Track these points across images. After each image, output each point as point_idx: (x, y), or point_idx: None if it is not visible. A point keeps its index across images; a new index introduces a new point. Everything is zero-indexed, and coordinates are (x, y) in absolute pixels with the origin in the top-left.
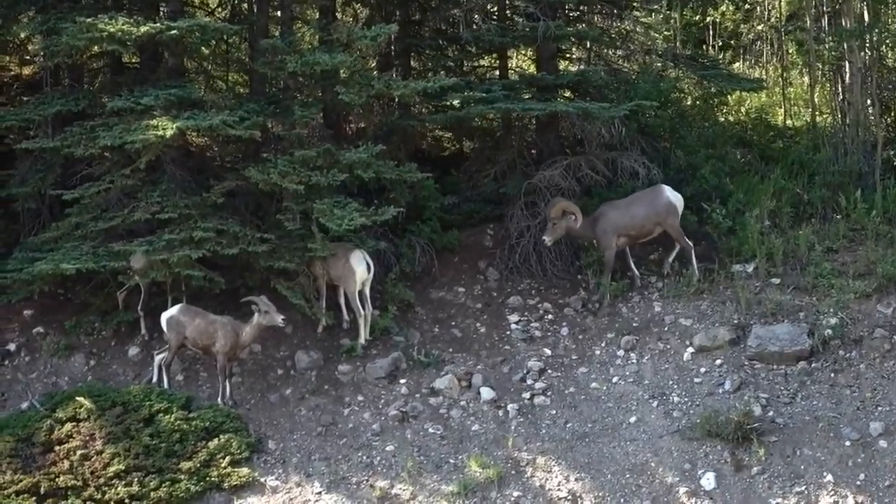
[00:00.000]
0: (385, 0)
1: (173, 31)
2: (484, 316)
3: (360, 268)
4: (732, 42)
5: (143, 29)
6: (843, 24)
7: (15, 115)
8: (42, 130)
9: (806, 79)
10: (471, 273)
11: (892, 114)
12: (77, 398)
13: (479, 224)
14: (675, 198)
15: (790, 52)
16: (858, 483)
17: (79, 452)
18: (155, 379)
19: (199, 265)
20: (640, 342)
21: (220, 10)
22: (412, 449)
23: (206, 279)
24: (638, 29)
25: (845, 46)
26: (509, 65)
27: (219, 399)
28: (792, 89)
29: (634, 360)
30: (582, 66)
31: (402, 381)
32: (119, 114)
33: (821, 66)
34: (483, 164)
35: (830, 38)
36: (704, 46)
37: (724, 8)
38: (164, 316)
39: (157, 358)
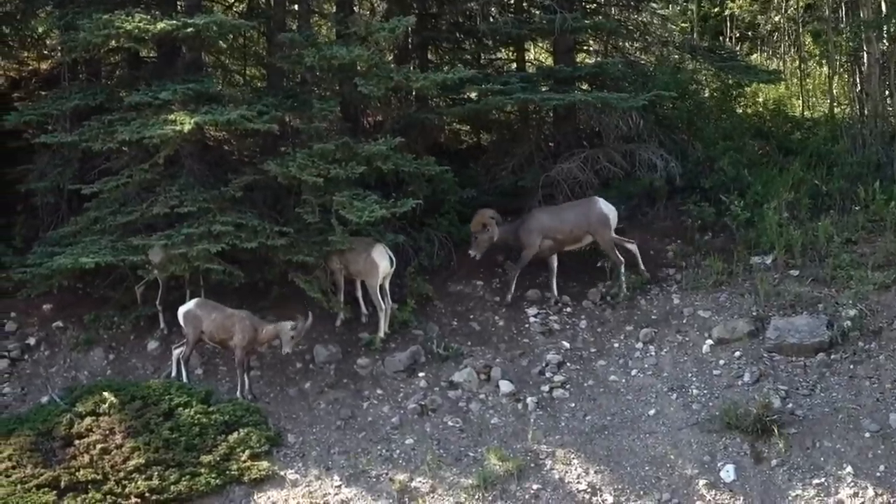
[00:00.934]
0: None
1: (190, 28)
2: (502, 309)
3: (383, 262)
4: (750, 33)
5: (159, 25)
6: (861, 14)
7: (33, 109)
8: (60, 125)
9: (824, 70)
10: (489, 266)
11: None
12: (102, 392)
13: None
14: (607, 209)
15: (808, 43)
16: (878, 475)
17: (99, 446)
18: (174, 373)
19: (218, 259)
20: (658, 335)
21: (237, 4)
22: (431, 442)
23: (226, 273)
24: (655, 21)
25: (863, 37)
26: (526, 57)
27: (238, 393)
28: (810, 80)
29: (653, 353)
30: (599, 59)
31: (421, 374)
32: (137, 108)
33: (839, 57)
34: (501, 156)
35: (848, 28)
36: (722, 38)
37: None
38: (181, 310)
39: (175, 352)
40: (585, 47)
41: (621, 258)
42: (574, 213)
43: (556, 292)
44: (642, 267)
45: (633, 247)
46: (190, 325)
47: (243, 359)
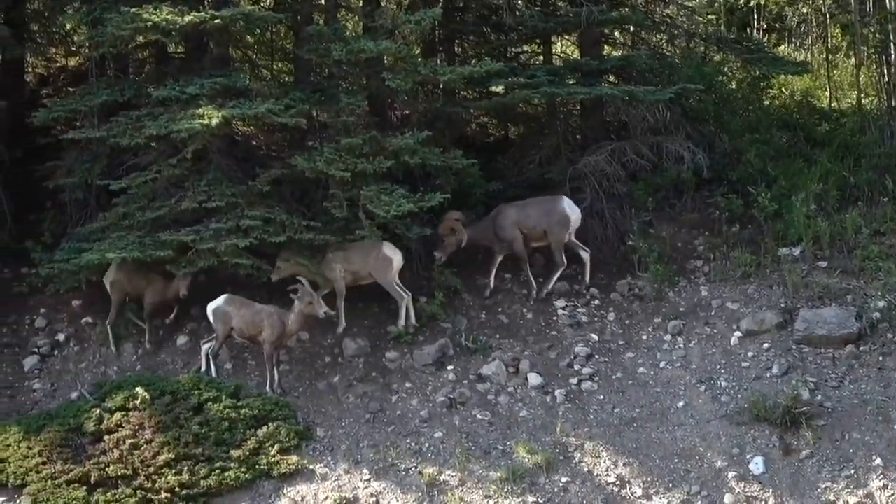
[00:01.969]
0: None
1: (217, 21)
2: (530, 302)
3: (396, 256)
4: (777, 25)
5: (187, 18)
6: (888, 5)
7: (61, 106)
8: (88, 121)
9: (851, 61)
10: (517, 259)
11: None
12: (135, 388)
13: None
14: (570, 211)
15: (835, 34)
16: None
17: (128, 442)
18: (203, 368)
19: (246, 253)
20: (687, 327)
21: None
22: (460, 435)
23: (254, 267)
24: (681, 13)
25: (890, 28)
26: (553, 50)
27: (267, 387)
28: (837, 72)
29: (682, 345)
30: (625, 51)
31: (450, 367)
32: (165, 103)
33: (866, 49)
34: (528, 149)
35: (875, 20)
36: (749, 30)
37: None
38: (210, 307)
39: (204, 347)
40: (611, 40)
41: (564, 261)
42: (538, 210)
43: (491, 283)
44: (587, 280)
45: (585, 255)
46: (219, 321)
47: (272, 353)
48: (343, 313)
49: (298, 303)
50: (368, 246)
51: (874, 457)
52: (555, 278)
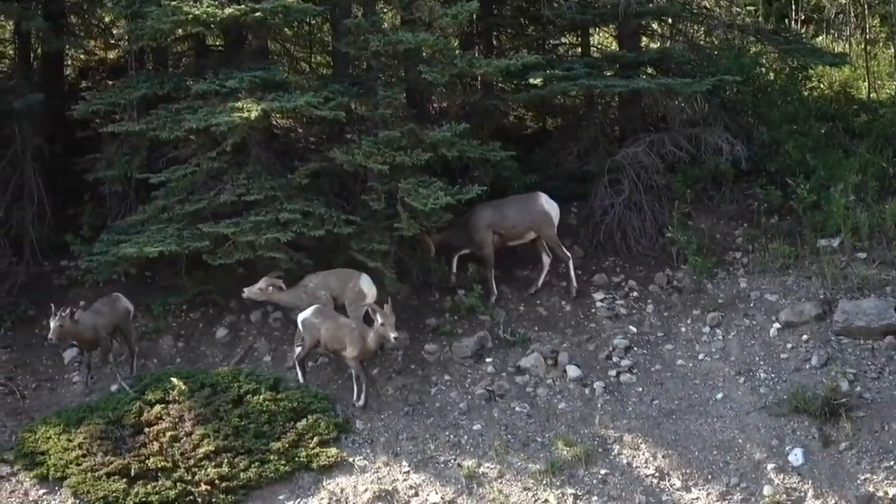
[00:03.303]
0: None
1: (257, 13)
2: (569, 294)
3: (371, 292)
4: (815, 16)
5: (227, 11)
6: None
7: (101, 99)
8: (128, 114)
9: (890, 51)
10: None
11: None
12: (171, 379)
13: (562, 202)
14: (549, 206)
15: (874, 25)
16: None
17: (168, 434)
18: (300, 378)
19: (286, 247)
20: (725, 318)
21: None
22: (499, 428)
23: (293, 261)
24: (720, 3)
25: None
26: (591, 42)
27: (356, 401)
28: (876, 62)
29: (720, 337)
30: (663, 43)
31: (489, 359)
32: (204, 96)
33: None
34: (566, 141)
35: None
36: (787, 20)
37: None
38: (301, 317)
39: (296, 350)
40: (649, 31)
41: (568, 255)
42: (515, 209)
43: (453, 279)
44: (540, 283)
45: (547, 260)
46: (307, 332)
47: (360, 370)
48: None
49: (377, 323)
50: (346, 275)
51: None
52: (572, 273)
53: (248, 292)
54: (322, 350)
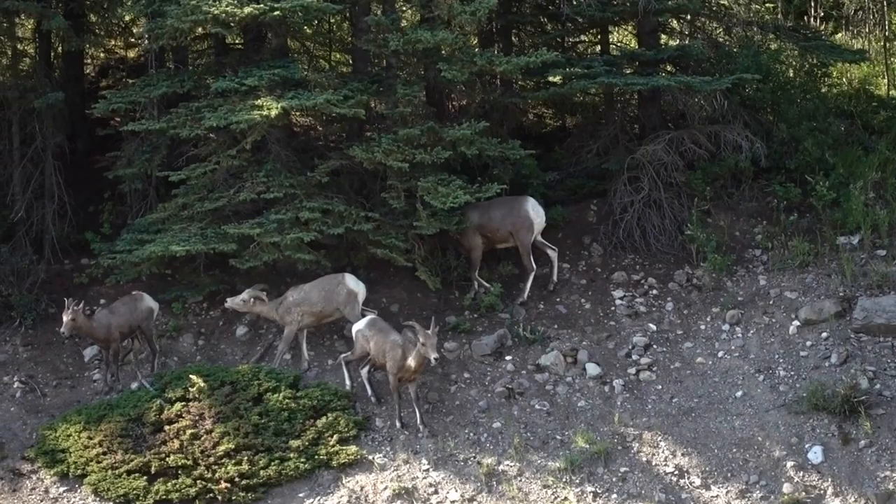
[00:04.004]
0: None
1: (276, 12)
2: (588, 292)
3: (360, 289)
4: (834, 13)
5: (246, 10)
6: None
7: (121, 97)
8: (148, 112)
9: None
10: (575, 249)
11: None
12: (191, 377)
13: (582, 200)
14: (534, 212)
15: (893, 21)
16: None
17: (189, 432)
18: (347, 382)
19: (308, 247)
20: (745, 316)
21: None
22: (519, 425)
23: (315, 261)
24: (738, 1)
25: None
26: (610, 40)
27: (396, 421)
28: (895, 60)
29: (740, 335)
30: (682, 40)
31: (508, 357)
32: (224, 95)
33: None
34: (585, 139)
35: None
36: (806, 17)
37: None
38: (355, 328)
39: (342, 357)
40: (668, 29)
41: (534, 265)
42: (501, 211)
43: (476, 287)
44: (555, 278)
45: (553, 254)
46: (359, 343)
47: (396, 385)
48: (282, 360)
49: (419, 343)
50: (329, 282)
51: None
52: (529, 284)
53: (230, 303)
54: (374, 364)
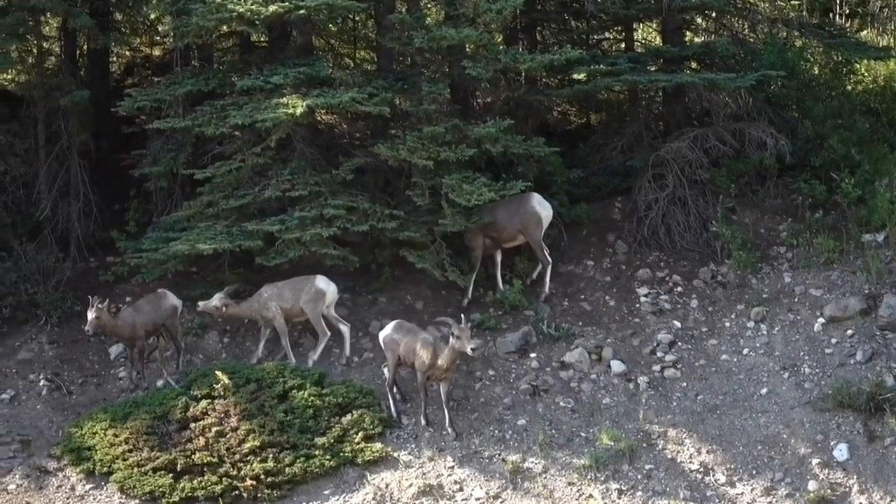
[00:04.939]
0: None
1: (301, 10)
2: (613, 289)
3: (329, 289)
4: (859, 10)
5: (271, 8)
6: None
7: (146, 95)
8: (173, 110)
9: None
10: (599, 246)
11: None
12: (216, 374)
13: (606, 197)
14: (541, 208)
15: None
16: None
17: (214, 429)
18: (391, 404)
19: (332, 243)
20: (770, 313)
21: None
22: (543, 423)
23: (340, 257)
24: None
25: None
26: (634, 37)
27: (422, 419)
28: None
29: (765, 332)
30: (707, 37)
31: (533, 355)
32: (249, 93)
33: None
34: (610, 136)
35: None
36: (831, 14)
37: None
38: (381, 335)
39: (386, 386)
40: (693, 26)
41: (549, 260)
42: (507, 211)
43: (500, 286)
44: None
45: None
46: (389, 349)
47: (423, 383)
48: (290, 349)
49: (452, 339)
50: (301, 281)
51: None
52: (547, 279)
53: (203, 306)
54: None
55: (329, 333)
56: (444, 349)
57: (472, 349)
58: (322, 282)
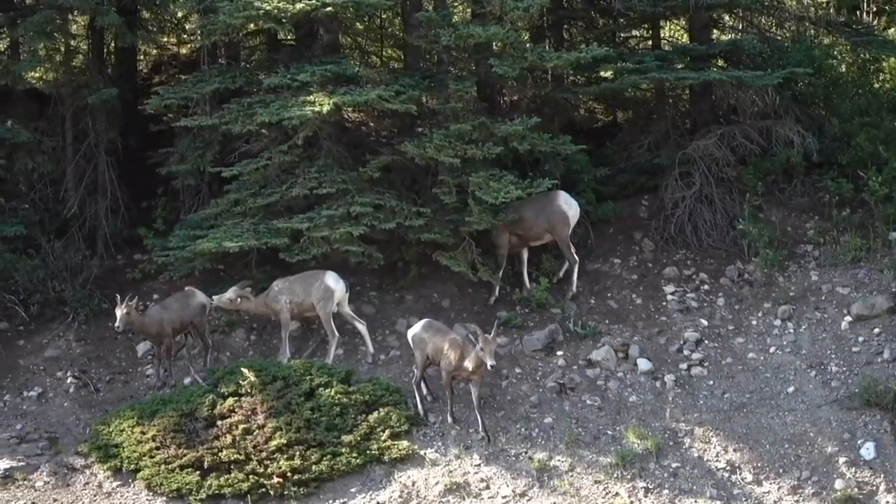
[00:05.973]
0: None
1: (328, 8)
2: (640, 287)
3: (338, 287)
4: (887, 7)
5: (298, 6)
6: None
7: (174, 93)
8: (200, 108)
9: None
10: (626, 244)
11: None
12: (243, 371)
13: (633, 195)
14: (567, 206)
15: None
16: None
17: (241, 427)
18: (418, 401)
19: (358, 241)
20: (797, 311)
21: None
22: (570, 421)
23: (365, 255)
24: None
25: None
26: (661, 35)
27: (448, 416)
28: None
29: (791, 330)
30: (734, 35)
31: (559, 353)
32: (276, 90)
33: None
34: (637, 134)
35: None
36: (858, 12)
37: None
38: (410, 333)
39: (413, 383)
40: (720, 23)
41: (576, 258)
42: (533, 209)
43: (527, 284)
44: (575, 279)
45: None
46: (417, 348)
47: (448, 382)
48: (287, 344)
49: (478, 346)
50: (311, 277)
51: None
52: (574, 277)
53: (217, 301)
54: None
55: (338, 335)
56: (472, 351)
57: (491, 365)
58: (331, 279)
